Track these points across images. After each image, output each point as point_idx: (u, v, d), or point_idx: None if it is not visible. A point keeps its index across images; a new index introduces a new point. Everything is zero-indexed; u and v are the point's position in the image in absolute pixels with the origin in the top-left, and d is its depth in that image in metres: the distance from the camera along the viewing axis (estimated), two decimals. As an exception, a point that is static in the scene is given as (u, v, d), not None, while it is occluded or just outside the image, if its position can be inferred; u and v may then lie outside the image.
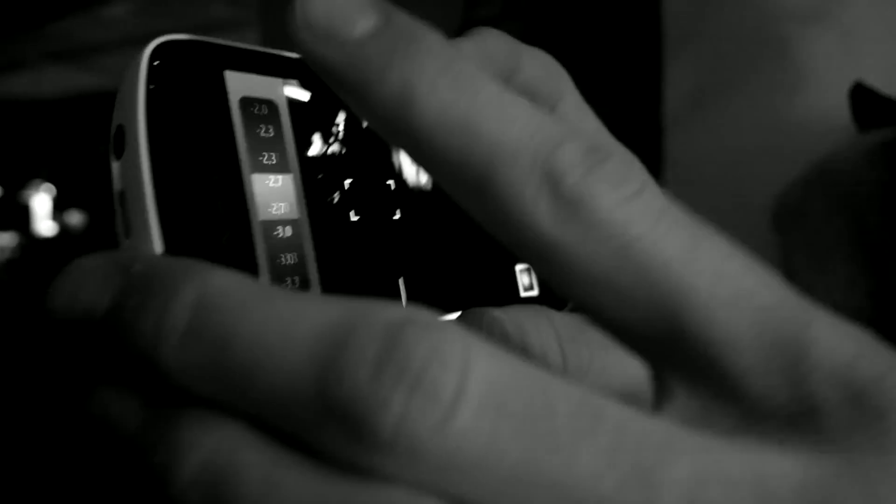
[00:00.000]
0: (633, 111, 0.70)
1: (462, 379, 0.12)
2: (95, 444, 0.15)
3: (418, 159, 0.15)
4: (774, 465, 0.13)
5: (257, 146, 0.19)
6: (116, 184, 0.17)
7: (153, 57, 0.17)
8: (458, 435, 0.12)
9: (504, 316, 0.20)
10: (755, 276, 0.14)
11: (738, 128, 0.62)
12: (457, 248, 0.24)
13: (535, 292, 0.25)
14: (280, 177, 0.19)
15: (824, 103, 0.55)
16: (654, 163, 0.67)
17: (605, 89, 0.71)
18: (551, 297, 0.26)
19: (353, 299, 0.13)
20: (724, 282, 0.14)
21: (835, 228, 0.47)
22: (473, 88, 0.15)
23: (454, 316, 0.22)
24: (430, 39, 0.15)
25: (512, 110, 0.15)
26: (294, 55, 0.20)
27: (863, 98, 0.51)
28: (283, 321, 0.13)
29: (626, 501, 0.12)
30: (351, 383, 0.12)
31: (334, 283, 0.20)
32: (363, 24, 0.15)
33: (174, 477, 0.13)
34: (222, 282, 0.14)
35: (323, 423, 0.12)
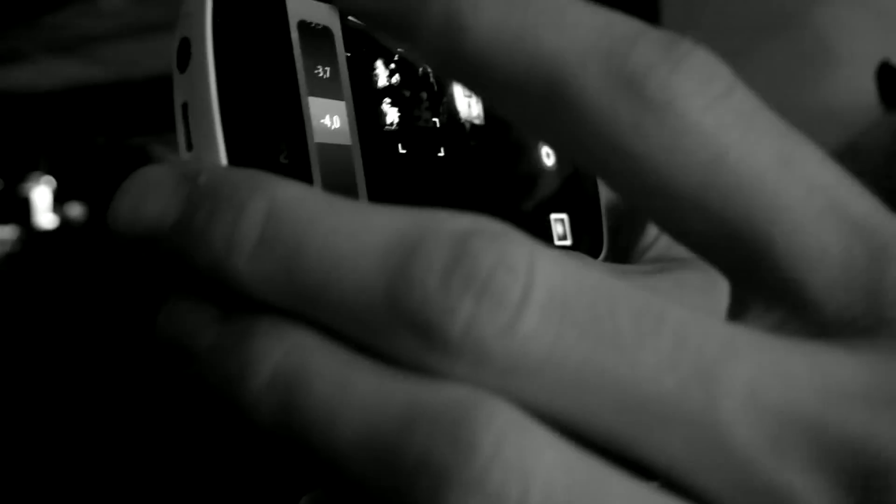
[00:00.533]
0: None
1: (527, 284, 0.12)
2: (170, 364, 0.15)
3: (480, 88, 0.14)
4: (840, 365, 0.13)
5: (313, 70, 0.19)
6: (179, 96, 0.17)
7: None
8: (524, 338, 0.12)
9: None
10: (847, 185, 0.14)
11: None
12: (493, 193, 0.24)
13: (568, 241, 0.26)
14: (334, 102, 0.20)
15: (835, 85, 0.55)
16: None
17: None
18: (585, 246, 0.26)
19: (420, 209, 0.13)
20: (818, 194, 0.13)
21: None
22: (525, 5, 0.13)
23: None
24: None
25: (573, 11, 0.13)
26: None
27: (890, 77, 0.49)
28: (352, 231, 0.13)
29: (687, 399, 0.12)
30: (420, 291, 0.12)
31: None
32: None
33: (249, 383, 0.13)
34: (292, 193, 0.14)
35: (394, 328, 0.13)
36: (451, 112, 0.23)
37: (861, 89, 0.54)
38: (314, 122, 0.19)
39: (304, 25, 0.19)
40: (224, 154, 0.17)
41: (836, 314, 0.14)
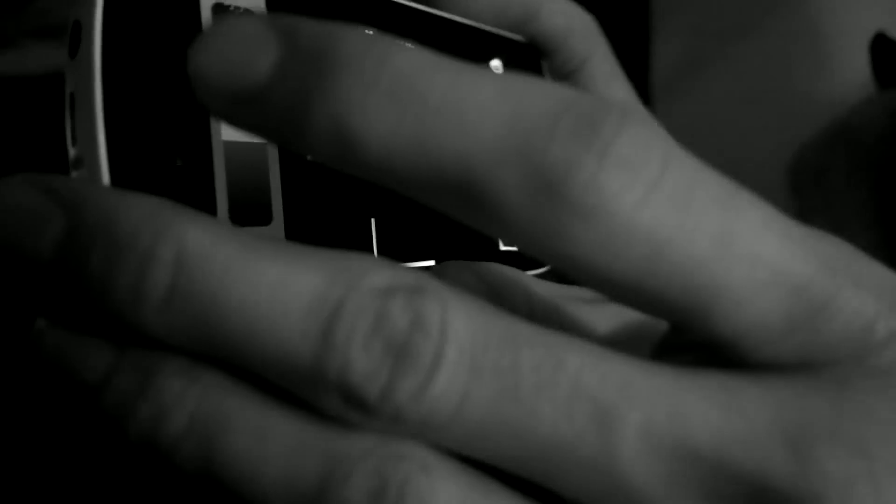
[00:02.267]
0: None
1: (439, 345, 0.13)
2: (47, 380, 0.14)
3: (391, 187, 0.13)
4: (749, 400, 0.13)
5: None
6: (68, 85, 0.16)
7: None
8: (434, 399, 0.13)
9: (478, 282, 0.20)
10: (792, 246, 0.14)
11: (731, 94, 0.61)
12: None
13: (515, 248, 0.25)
14: None
15: (829, 62, 0.54)
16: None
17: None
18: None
19: (335, 256, 0.13)
20: (760, 268, 0.13)
21: (856, 192, 0.45)
22: (416, 91, 0.12)
23: (428, 264, 0.21)
24: (348, 47, 0.12)
25: (474, 102, 0.12)
26: None
27: (885, 51, 0.48)
28: (271, 288, 0.13)
29: (584, 445, 0.13)
30: (343, 357, 0.13)
31: (299, 221, 0.18)
32: (266, 62, 0.13)
33: (165, 428, 0.13)
34: (202, 237, 0.13)
35: (316, 386, 0.13)
36: None
37: (854, 67, 0.53)
38: None
39: (220, 8, 0.17)
40: (105, 155, 0.15)
41: (762, 357, 0.14)
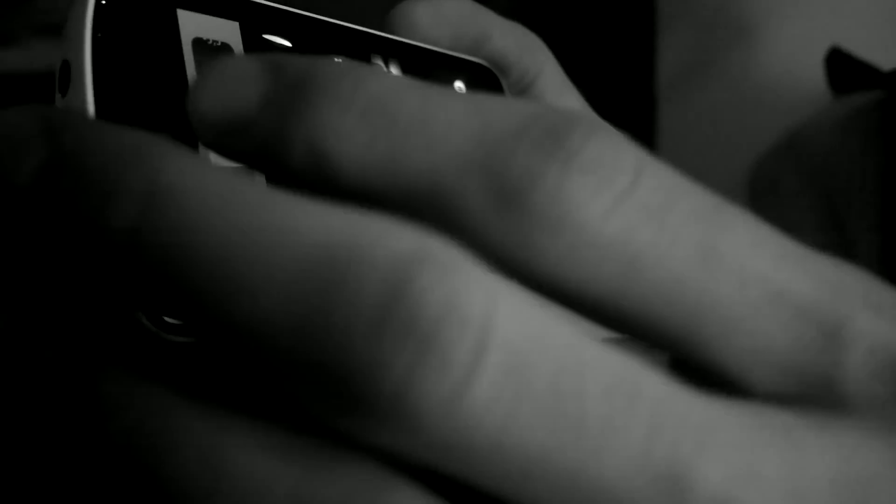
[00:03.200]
0: (626, 83, 0.70)
1: (482, 342, 0.10)
2: None
3: (369, 205, 0.12)
4: (809, 458, 0.12)
5: None
6: None
7: None
8: (471, 413, 0.10)
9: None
10: (789, 264, 0.12)
11: (732, 95, 0.62)
12: None
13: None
14: None
15: (809, 71, 0.55)
16: (648, 134, 0.67)
17: (599, 62, 0.71)
18: None
19: (355, 214, 0.11)
20: (752, 285, 0.12)
21: (806, 199, 0.47)
22: (388, 113, 0.12)
23: None
24: (326, 73, 0.12)
25: (442, 120, 0.12)
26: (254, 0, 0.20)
27: (839, 63, 0.51)
28: (261, 233, 0.10)
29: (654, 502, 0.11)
30: (342, 338, 0.10)
31: None
32: (254, 94, 0.13)
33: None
34: (180, 169, 0.11)
35: (300, 379, 0.10)
36: None
37: (805, 74, 0.54)
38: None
39: (199, 43, 0.18)
40: None
41: (790, 401, 0.12)
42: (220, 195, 0.11)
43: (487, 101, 0.12)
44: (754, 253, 0.12)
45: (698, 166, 0.63)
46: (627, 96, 0.71)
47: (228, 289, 0.10)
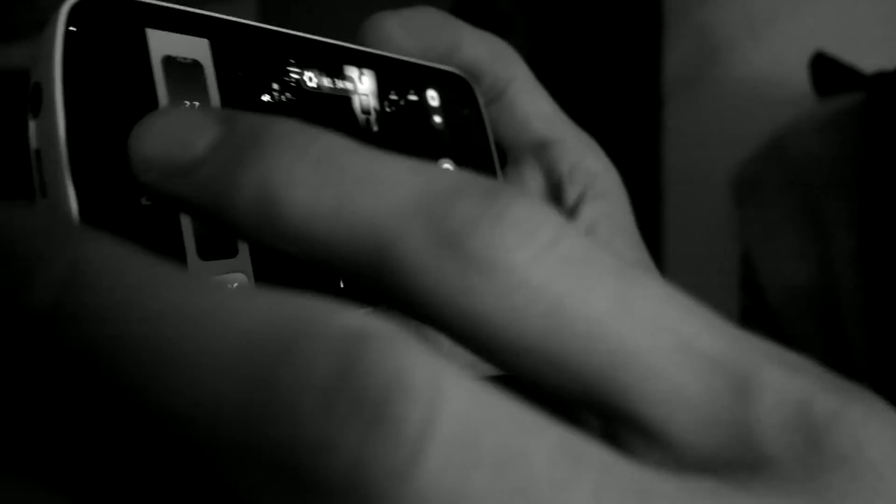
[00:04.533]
0: (633, 82, 0.71)
1: (430, 413, 0.10)
2: None
3: (308, 259, 0.13)
4: None
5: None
6: (33, 142, 0.17)
7: (71, 13, 0.16)
8: (424, 482, 0.10)
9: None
10: (697, 320, 0.13)
11: (735, 93, 0.62)
12: None
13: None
14: None
15: (798, 72, 0.56)
16: (654, 132, 0.67)
17: (606, 62, 0.71)
18: None
19: (291, 296, 0.11)
20: (663, 334, 0.13)
21: (787, 201, 0.47)
22: (339, 165, 0.13)
23: None
24: (282, 127, 0.13)
25: (390, 174, 0.13)
26: (221, 16, 0.20)
27: (823, 67, 0.52)
28: (198, 316, 0.10)
29: None
30: (289, 416, 0.10)
31: (265, 253, 0.19)
32: (203, 141, 0.13)
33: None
34: (103, 251, 0.11)
35: (243, 466, 0.10)
36: None
37: (791, 75, 0.55)
38: None
39: (169, 61, 0.18)
40: (74, 203, 0.16)
41: (713, 457, 0.13)
42: (148, 276, 0.10)
43: (429, 166, 0.13)
44: (665, 307, 0.13)
45: (705, 163, 0.64)
46: (633, 96, 0.71)
47: (157, 367, 0.10)
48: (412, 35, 0.25)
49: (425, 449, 0.10)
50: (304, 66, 0.22)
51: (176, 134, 0.13)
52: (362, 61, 0.24)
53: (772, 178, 0.49)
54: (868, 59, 0.49)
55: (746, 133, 0.56)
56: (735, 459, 0.13)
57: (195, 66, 0.19)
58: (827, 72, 0.51)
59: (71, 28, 0.16)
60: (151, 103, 0.17)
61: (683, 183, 0.66)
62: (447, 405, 0.10)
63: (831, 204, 0.45)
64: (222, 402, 0.10)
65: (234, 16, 0.20)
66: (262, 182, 0.12)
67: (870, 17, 0.56)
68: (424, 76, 0.26)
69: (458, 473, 0.10)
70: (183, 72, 0.18)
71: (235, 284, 0.18)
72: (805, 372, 0.13)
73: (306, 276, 0.21)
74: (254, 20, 0.20)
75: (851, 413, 0.13)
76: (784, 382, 0.13)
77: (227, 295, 0.10)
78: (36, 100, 0.16)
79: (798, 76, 0.55)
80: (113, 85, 0.17)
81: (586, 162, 0.26)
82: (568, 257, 0.12)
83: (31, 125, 0.17)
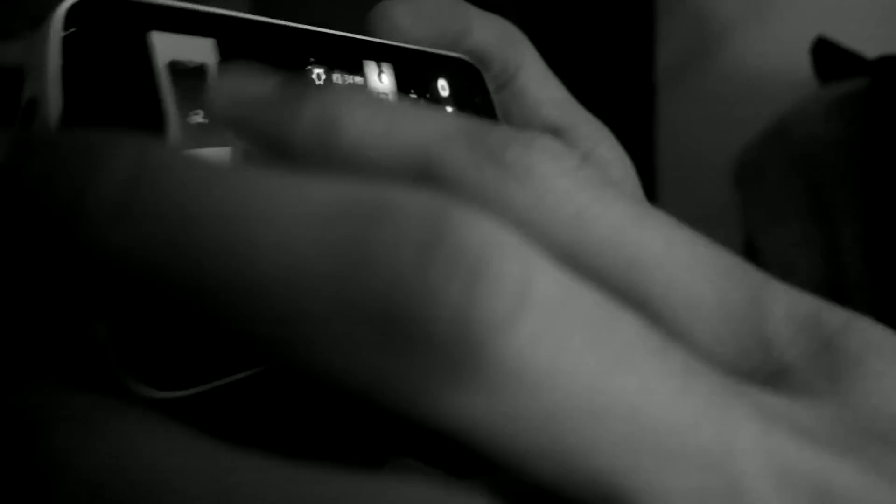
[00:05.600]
0: (626, 72, 0.70)
1: (528, 273, 0.10)
2: None
3: (352, 167, 0.13)
4: (794, 413, 0.12)
5: (190, 115, 0.17)
6: None
7: (68, 19, 0.15)
8: (528, 339, 0.10)
9: None
10: (705, 243, 0.14)
11: (729, 81, 0.62)
12: None
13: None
14: (217, 150, 0.17)
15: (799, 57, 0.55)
16: (648, 121, 0.67)
17: (599, 52, 0.71)
18: None
19: (364, 182, 0.11)
20: (678, 246, 0.14)
21: (791, 187, 0.47)
22: (386, 105, 0.14)
23: None
24: (332, 86, 0.14)
25: (433, 113, 0.14)
26: (228, 13, 0.19)
27: (825, 52, 0.52)
28: (272, 197, 0.10)
29: (701, 433, 0.11)
30: (388, 269, 0.10)
31: None
32: (271, 83, 0.14)
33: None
34: (164, 152, 0.11)
35: (341, 324, 0.10)
36: None
37: (796, 60, 0.54)
38: None
39: (175, 66, 0.17)
40: None
41: (735, 365, 0.13)
42: (223, 167, 0.11)
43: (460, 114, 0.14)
44: (676, 229, 0.14)
45: (699, 151, 0.64)
46: (627, 85, 0.71)
47: (238, 244, 0.10)
48: (421, 22, 0.25)
49: (525, 304, 0.10)
50: (314, 58, 0.22)
51: (249, 78, 0.14)
52: (370, 52, 0.24)
53: (776, 162, 0.49)
54: (870, 43, 0.49)
55: (744, 121, 0.55)
56: (755, 370, 0.13)
57: (201, 70, 0.18)
58: (829, 57, 0.50)
59: (67, 35, 0.15)
60: (156, 114, 0.16)
61: (679, 171, 0.66)
62: (542, 268, 0.10)
63: (836, 189, 0.45)
64: (316, 266, 0.10)
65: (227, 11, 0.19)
66: (322, 111, 0.13)
67: (871, 1, 0.56)
68: (433, 64, 0.26)
69: (560, 332, 0.10)
70: (190, 77, 0.17)
71: None
72: (807, 294, 0.14)
73: None
74: (248, 13, 0.20)
75: (858, 322, 0.13)
76: (791, 298, 0.14)
77: (301, 178, 0.10)
78: (29, 114, 0.15)
79: (797, 63, 0.54)
80: (115, 96, 0.16)
81: (600, 150, 0.26)
82: (588, 180, 0.13)
83: None
